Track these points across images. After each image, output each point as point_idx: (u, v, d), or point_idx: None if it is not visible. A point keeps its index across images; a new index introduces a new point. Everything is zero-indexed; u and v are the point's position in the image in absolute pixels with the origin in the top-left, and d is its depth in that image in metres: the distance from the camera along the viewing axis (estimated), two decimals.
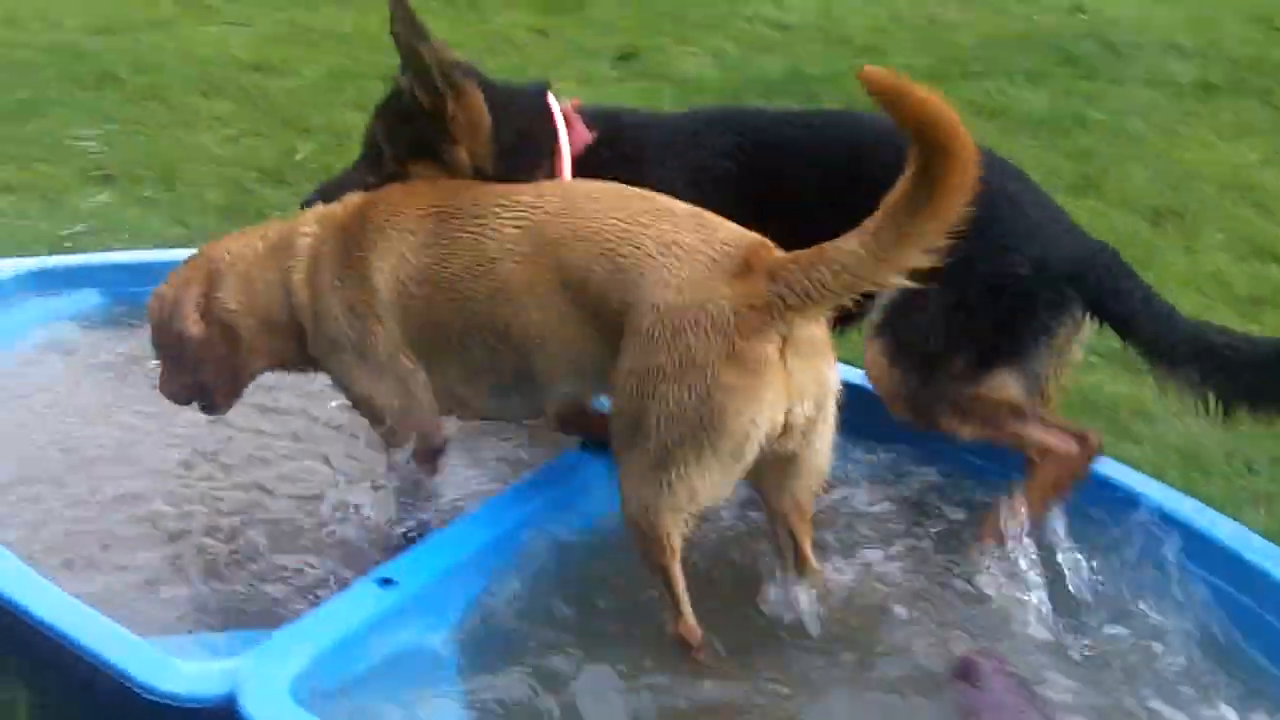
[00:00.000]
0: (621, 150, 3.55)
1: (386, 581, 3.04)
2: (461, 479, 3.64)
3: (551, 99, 3.57)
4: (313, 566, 3.39)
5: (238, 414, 3.67)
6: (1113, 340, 3.40)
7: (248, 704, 2.68)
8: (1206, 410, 3.27)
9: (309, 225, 3.37)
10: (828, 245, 2.78)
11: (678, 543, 2.96)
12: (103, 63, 7.04)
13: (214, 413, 3.57)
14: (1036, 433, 3.38)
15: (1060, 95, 6.95)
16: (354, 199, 3.39)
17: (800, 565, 3.18)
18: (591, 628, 3.17)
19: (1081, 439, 3.41)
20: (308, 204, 3.50)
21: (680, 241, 2.92)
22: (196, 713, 2.74)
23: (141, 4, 7.98)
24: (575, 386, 3.21)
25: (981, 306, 3.33)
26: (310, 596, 3.26)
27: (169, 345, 3.45)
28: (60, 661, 2.91)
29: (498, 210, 3.16)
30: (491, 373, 3.25)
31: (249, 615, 3.26)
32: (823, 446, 3.03)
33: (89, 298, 4.37)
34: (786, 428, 2.89)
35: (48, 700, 3.00)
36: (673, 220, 2.99)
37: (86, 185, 5.81)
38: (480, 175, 3.41)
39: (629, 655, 3.06)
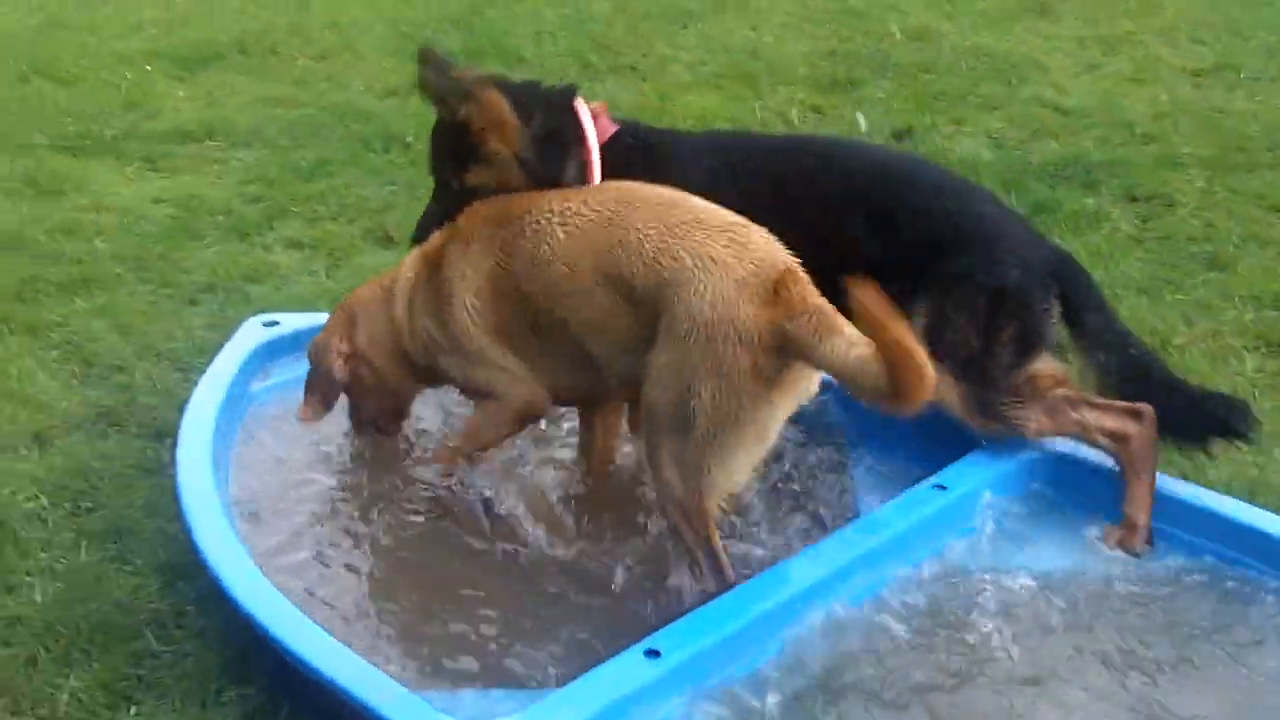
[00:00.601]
0: (641, 146, 4.02)
1: (653, 653, 3.05)
2: None
3: (578, 99, 3.99)
4: (580, 632, 3.47)
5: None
6: None
7: None
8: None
9: (409, 264, 3.93)
10: (844, 330, 3.21)
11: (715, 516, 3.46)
12: (389, 126, 7.27)
13: (387, 434, 4.17)
14: (1095, 417, 3.83)
15: None
16: (437, 234, 3.90)
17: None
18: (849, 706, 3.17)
19: (1135, 414, 3.81)
20: (415, 242, 4.02)
21: (715, 256, 3.34)
22: None
23: None
24: (631, 366, 3.52)
25: (995, 308, 3.82)
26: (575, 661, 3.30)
27: (324, 386, 3.99)
28: (339, 712, 3.01)
29: (548, 217, 3.61)
30: (561, 356, 3.67)
31: (508, 673, 3.32)
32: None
33: None
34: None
35: None
36: (707, 232, 3.40)
37: (370, 245, 5.98)
38: (523, 164, 3.84)
39: None
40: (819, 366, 3.31)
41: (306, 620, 3.19)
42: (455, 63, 3.99)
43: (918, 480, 3.84)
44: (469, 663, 3.35)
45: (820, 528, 3.82)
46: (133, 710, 3.32)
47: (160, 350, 5.00)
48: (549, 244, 3.58)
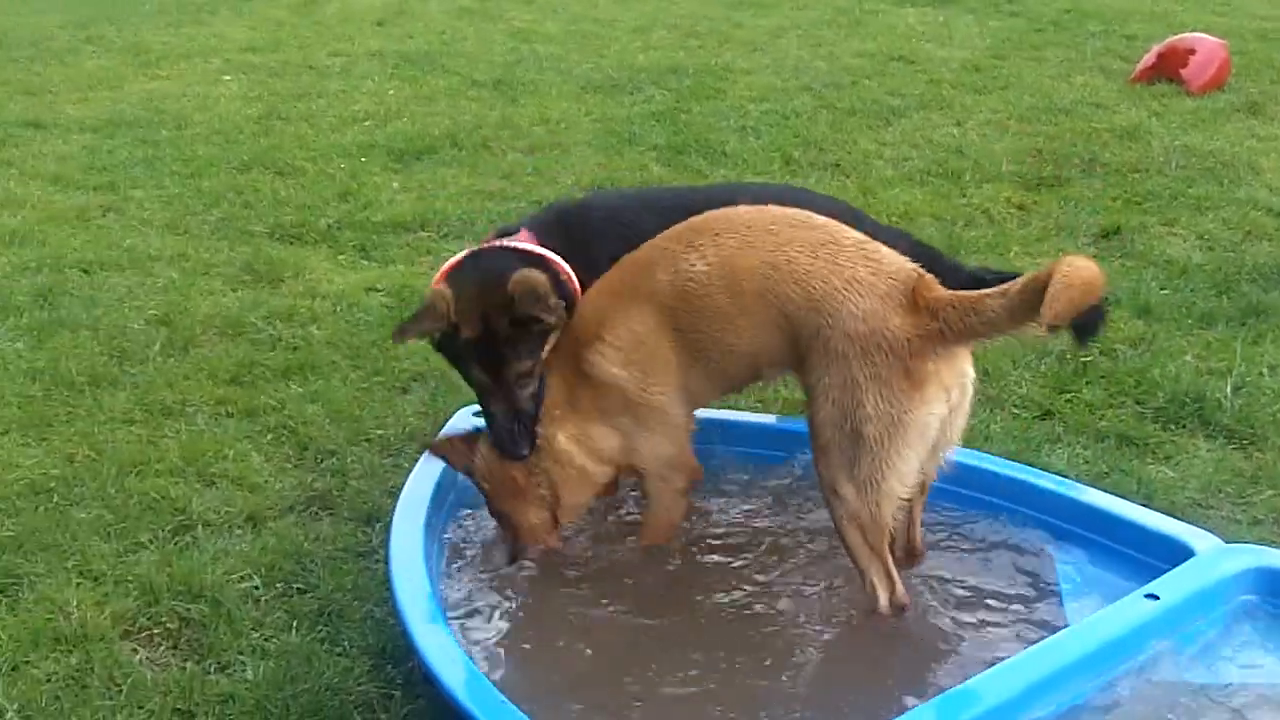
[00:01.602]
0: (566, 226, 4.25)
1: None
2: None
3: (528, 246, 4.10)
4: None
5: None
6: None
7: None
8: None
9: None
10: (979, 297, 3.53)
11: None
12: None
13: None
14: None
15: None
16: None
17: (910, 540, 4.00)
18: None
19: None
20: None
21: (859, 277, 3.59)
22: None
23: (634, 166, 8.39)
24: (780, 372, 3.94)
25: None
26: None
27: None
28: None
29: (680, 257, 3.80)
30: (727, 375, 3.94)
31: None
32: (961, 423, 3.75)
33: None
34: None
35: None
36: (846, 254, 3.64)
37: None
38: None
39: None
40: (989, 335, 3.59)
41: (514, 710, 3.21)
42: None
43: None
44: None
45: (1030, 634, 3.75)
46: None
47: (372, 436, 5.12)
48: (695, 279, 3.77)
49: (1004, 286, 3.53)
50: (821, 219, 3.80)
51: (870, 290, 3.57)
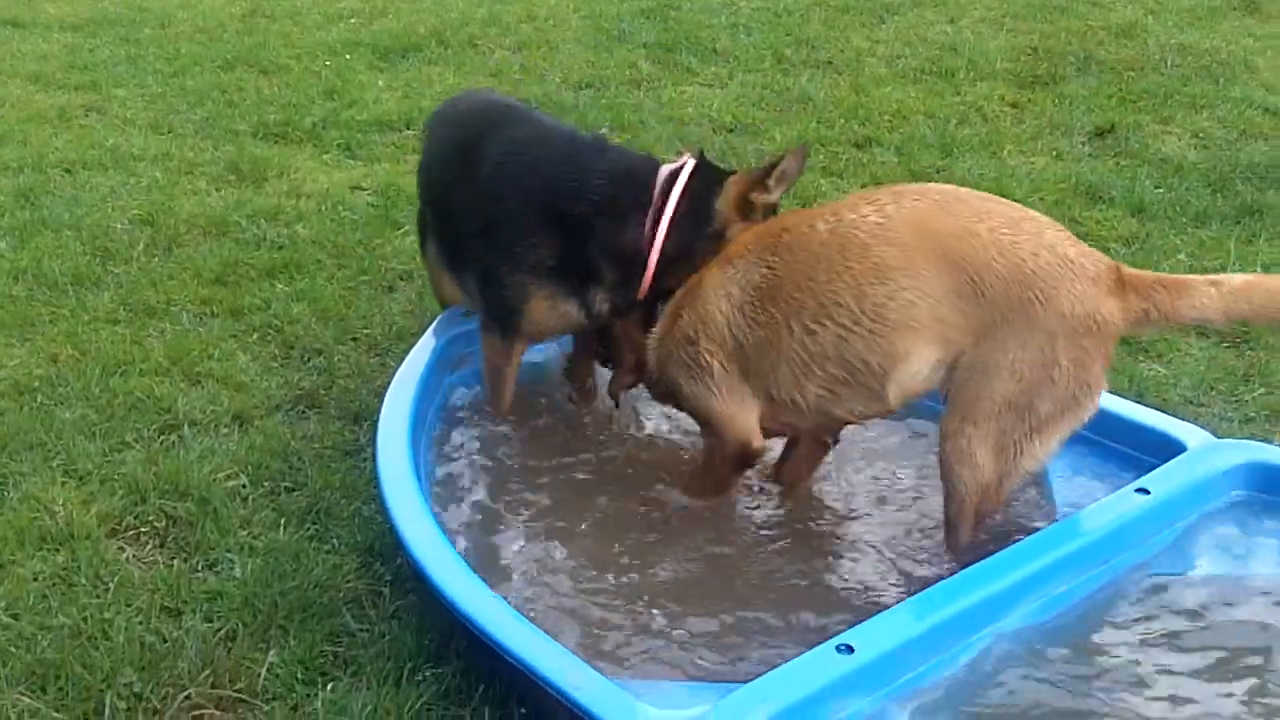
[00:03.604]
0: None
1: (846, 648, 3.01)
2: None
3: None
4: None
5: None
6: None
7: None
8: None
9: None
10: (1194, 283, 3.43)
11: None
12: (584, 117, 7.28)
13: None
14: None
15: None
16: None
17: None
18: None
19: None
20: None
21: (1071, 256, 3.41)
22: None
23: (624, 64, 8.27)
24: (929, 366, 3.49)
25: None
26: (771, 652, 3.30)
27: None
28: (534, 696, 3.06)
29: (847, 209, 3.55)
30: (833, 362, 3.53)
31: (703, 666, 3.32)
32: None
33: None
34: None
35: None
36: (1052, 232, 3.47)
37: None
38: None
39: None
40: (1192, 323, 3.56)
41: (503, 603, 3.21)
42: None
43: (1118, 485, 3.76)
44: (665, 653, 3.35)
45: (1019, 529, 3.74)
46: (329, 687, 3.37)
47: (358, 335, 5.08)
48: (864, 229, 3.47)
49: (1219, 277, 3.41)
50: (1021, 209, 3.58)
51: (1083, 272, 3.39)
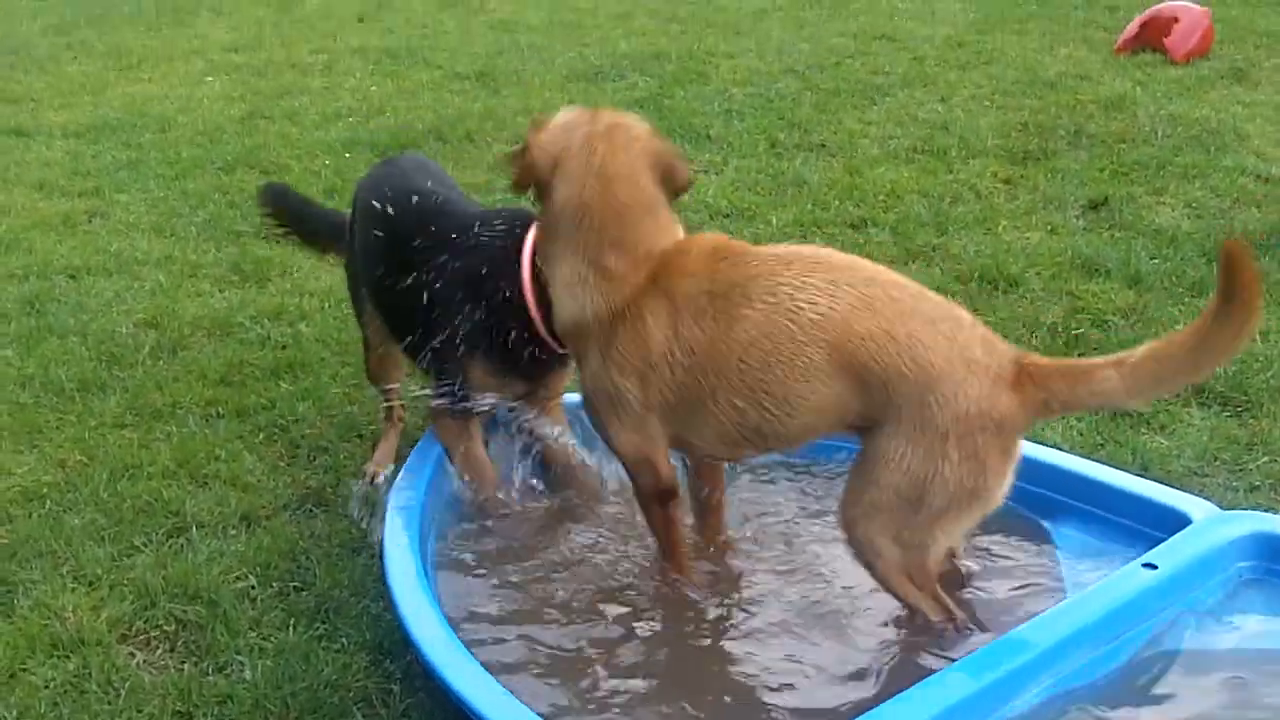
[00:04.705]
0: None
1: None
2: None
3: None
4: None
5: None
6: None
7: None
8: None
9: None
10: (1095, 367, 3.44)
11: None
12: None
13: None
14: None
15: None
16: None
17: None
18: None
19: None
20: None
21: (974, 358, 3.43)
22: None
23: None
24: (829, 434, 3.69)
25: None
26: None
27: None
28: None
29: (790, 294, 3.51)
30: (748, 429, 3.64)
31: None
32: None
33: None
34: None
35: None
36: (965, 332, 3.47)
37: None
38: None
39: None
40: (1103, 405, 3.78)
41: (515, 701, 3.21)
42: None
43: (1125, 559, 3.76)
44: None
45: (1027, 610, 3.74)
46: None
47: (364, 432, 5.11)
48: (796, 322, 3.48)
49: (1125, 355, 3.40)
50: (947, 305, 3.56)
51: (984, 372, 3.41)
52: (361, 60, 11.31)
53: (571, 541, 4.20)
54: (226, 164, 8.58)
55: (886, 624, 3.75)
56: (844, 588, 3.89)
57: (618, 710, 3.48)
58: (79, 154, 9.02)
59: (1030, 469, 4.06)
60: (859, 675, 3.58)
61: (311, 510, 4.61)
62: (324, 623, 3.99)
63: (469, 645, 3.47)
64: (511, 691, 3.25)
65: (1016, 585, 3.87)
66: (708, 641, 3.77)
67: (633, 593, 3.96)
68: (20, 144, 9.34)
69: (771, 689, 3.55)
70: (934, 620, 3.61)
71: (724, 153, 8.32)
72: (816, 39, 11.10)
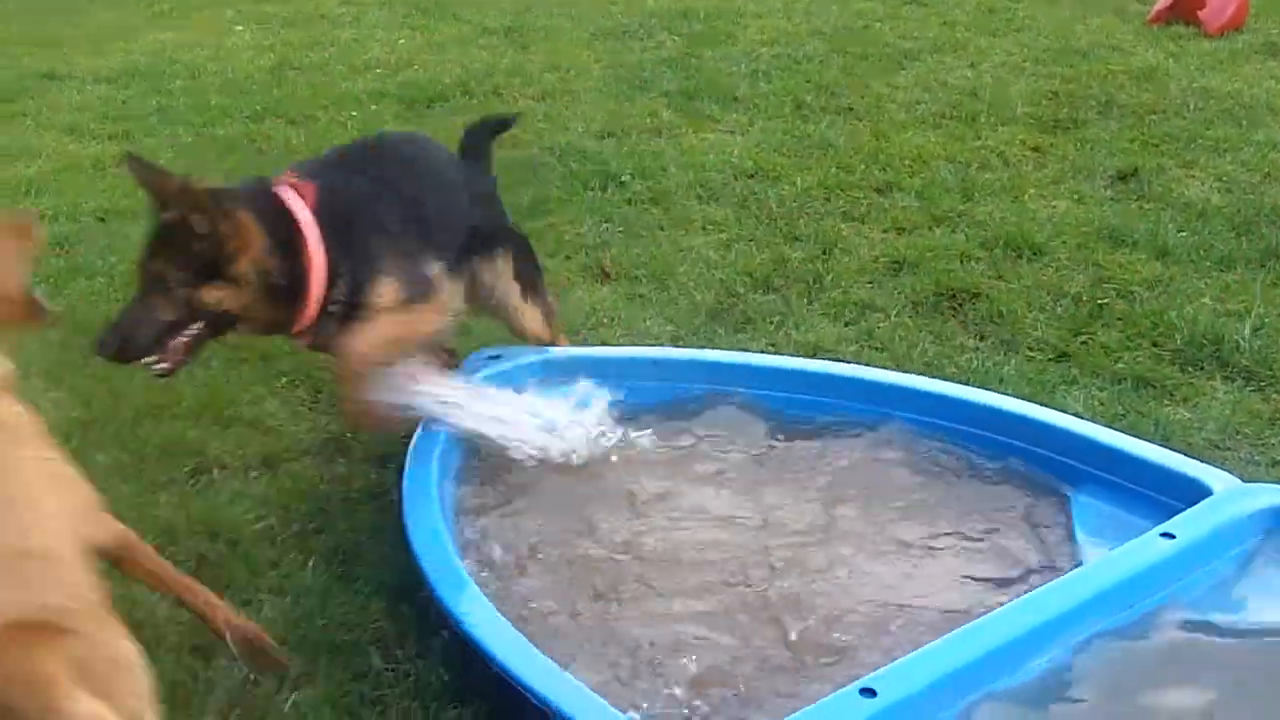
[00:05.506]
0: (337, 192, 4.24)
1: (869, 692, 3.02)
2: None
3: (278, 188, 4.14)
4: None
5: None
6: None
7: None
8: None
9: None
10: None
11: None
12: (606, 165, 7.35)
13: None
14: None
15: None
16: None
17: None
18: None
19: None
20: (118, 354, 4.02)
21: None
22: None
23: (645, 112, 8.34)
24: None
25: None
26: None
27: None
28: None
29: None
30: None
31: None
32: None
33: (585, 388, 4.50)
34: None
35: None
36: None
37: (587, 281, 6.04)
38: (265, 279, 3.98)
39: None
40: None
41: (528, 645, 3.24)
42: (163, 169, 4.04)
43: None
44: (688, 694, 3.35)
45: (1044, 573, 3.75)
46: None
47: None
48: None
49: None
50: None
51: None
52: (390, 13, 11.31)
53: (587, 489, 4.22)
54: (255, 113, 8.60)
55: (893, 585, 3.77)
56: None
57: (643, 652, 3.50)
58: (109, 99, 9.06)
59: (1051, 436, 4.11)
60: (870, 629, 3.60)
61: (332, 456, 4.64)
62: (342, 564, 4.02)
63: (484, 590, 3.50)
64: (528, 637, 3.28)
65: (1032, 554, 3.87)
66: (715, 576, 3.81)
67: (649, 540, 3.98)
68: (53, 87, 9.39)
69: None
70: None
71: (750, 113, 8.30)
72: (845, 1, 11.04)
